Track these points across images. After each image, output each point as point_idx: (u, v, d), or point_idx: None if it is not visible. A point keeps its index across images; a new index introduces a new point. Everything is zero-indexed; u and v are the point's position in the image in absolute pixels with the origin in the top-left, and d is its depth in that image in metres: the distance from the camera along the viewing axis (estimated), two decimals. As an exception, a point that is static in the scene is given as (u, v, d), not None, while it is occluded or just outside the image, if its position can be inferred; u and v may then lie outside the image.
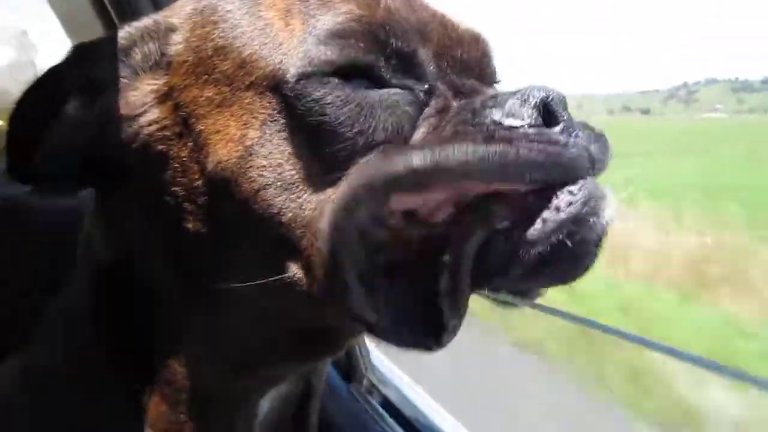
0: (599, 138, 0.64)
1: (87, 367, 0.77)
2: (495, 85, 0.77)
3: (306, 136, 0.62)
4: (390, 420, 1.30)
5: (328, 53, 0.62)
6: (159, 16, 0.72)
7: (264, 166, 0.62)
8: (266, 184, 0.62)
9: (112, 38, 0.71)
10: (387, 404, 1.39)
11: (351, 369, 1.47)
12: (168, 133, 0.68)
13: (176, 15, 0.71)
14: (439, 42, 0.69)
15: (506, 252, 0.58)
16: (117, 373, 0.76)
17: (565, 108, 0.61)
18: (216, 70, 0.66)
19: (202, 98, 0.66)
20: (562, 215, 0.58)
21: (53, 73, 0.72)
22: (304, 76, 0.62)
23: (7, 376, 0.83)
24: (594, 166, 0.61)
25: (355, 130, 0.61)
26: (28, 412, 0.78)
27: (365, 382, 1.45)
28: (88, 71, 0.70)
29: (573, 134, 0.60)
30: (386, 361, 1.58)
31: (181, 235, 0.67)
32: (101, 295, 0.78)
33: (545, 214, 0.58)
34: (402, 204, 0.59)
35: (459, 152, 0.55)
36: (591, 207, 0.59)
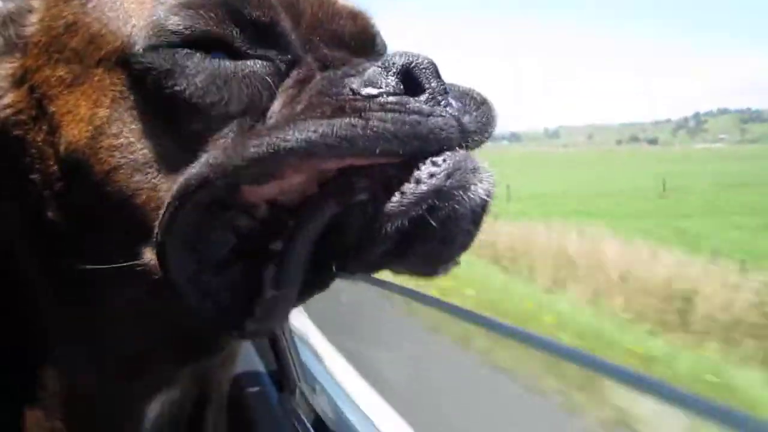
0: (480, 106, 0.59)
1: None
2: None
3: (158, 112, 0.59)
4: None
5: (176, 23, 0.58)
6: None
7: (114, 146, 0.59)
8: (117, 165, 0.58)
9: None
10: (316, 420, 1.30)
11: (283, 377, 1.39)
12: (24, 117, 0.64)
13: None
14: (313, 15, 0.65)
15: (362, 227, 0.53)
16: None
17: (436, 75, 0.57)
18: (67, 47, 0.63)
19: (54, 78, 0.63)
20: (423, 187, 0.52)
21: None
22: (152, 48, 0.58)
23: None
24: (467, 137, 0.56)
25: (209, 100, 0.57)
26: None
27: (297, 392, 1.37)
28: None
29: (441, 103, 0.55)
30: (324, 368, 1.51)
31: (43, 223, 0.64)
32: None
33: (405, 186, 0.52)
34: (259, 194, 0.55)
35: (300, 133, 0.51)
36: (457, 180, 0.53)
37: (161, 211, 0.57)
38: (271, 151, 0.51)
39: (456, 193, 0.53)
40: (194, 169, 0.55)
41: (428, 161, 0.53)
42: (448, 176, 0.53)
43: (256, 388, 1.36)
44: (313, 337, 1.65)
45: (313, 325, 1.75)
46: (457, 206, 0.53)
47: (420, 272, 0.64)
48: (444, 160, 0.53)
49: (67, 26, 0.63)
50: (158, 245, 0.57)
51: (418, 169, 0.53)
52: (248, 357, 1.48)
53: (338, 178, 0.54)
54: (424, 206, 0.52)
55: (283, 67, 0.61)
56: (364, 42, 0.70)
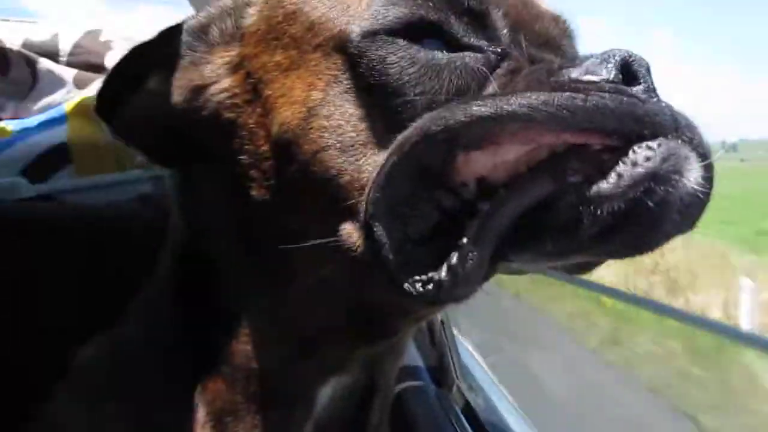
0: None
1: (161, 343, 0.80)
2: None
3: (368, 97, 0.62)
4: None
5: (394, 10, 0.61)
6: None
7: (325, 127, 0.62)
8: (326, 146, 0.62)
9: (194, 18, 0.75)
10: (473, 417, 1.33)
11: (441, 373, 1.43)
12: (237, 101, 0.70)
13: None
14: (518, 14, 0.67)
15: (576, 205, 0.54)
16: (185, 349, 0.78)
17: (649, 73, 0.58)
18: (285, 35, 0.67)
19: (271, 63, 0.68)
20: (640, 170, 0.53)
21: (139, 48, 0.76)
22: (368, 34, 0.62)
23: (95, 348, 0.88)
24: (678, 128, 0.56)
25: (418, 90, 0.60)
26: (109, 381, 0.82)
27: (455, 388, 1.40)
28: (169, 48, 0.74)
29: (655, 96, 0.56)
30: (481, 367, 1.52)
31: (247, 203, 0.69)
32: (177, 273, 0.81)
33: (620, 168, 0.53)
34: (471, 168, 0.57)
35: (523, 99, 0.53)
36: (672, 164, 0.54)
37: (365, 189, 0.60)
38: (494, 111, 0.53)
39: (672, 176, 0.53)
40: (413, 125, 0.58)
41: (644, 145, 0.54)
42: (664, 160, 0.53)
43: (415, 382, 1.40)
44: (467, 338, 1.68)
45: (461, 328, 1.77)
46: (671, 190, 0.53)
47: (609, 257, 0.64)
48: (659, 145, 0.54)
49: (286, 15, 0.68)
50: (369, 206, 0.59)
51: (634, 152, 0.53)
52: (408, 352, 1.52)
53: (550, 158, 0.56)
54: (641, 189, 0.53)
55: (493, 58, 0.62)
56: (565, 46, 0.71)
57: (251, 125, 0.68)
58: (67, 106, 1.36)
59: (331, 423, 0.82)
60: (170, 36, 0.75)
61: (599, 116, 0.53)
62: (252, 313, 0.75)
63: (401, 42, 0.61)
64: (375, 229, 0.59)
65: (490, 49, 0.62)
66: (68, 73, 1.43)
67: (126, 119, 0.76)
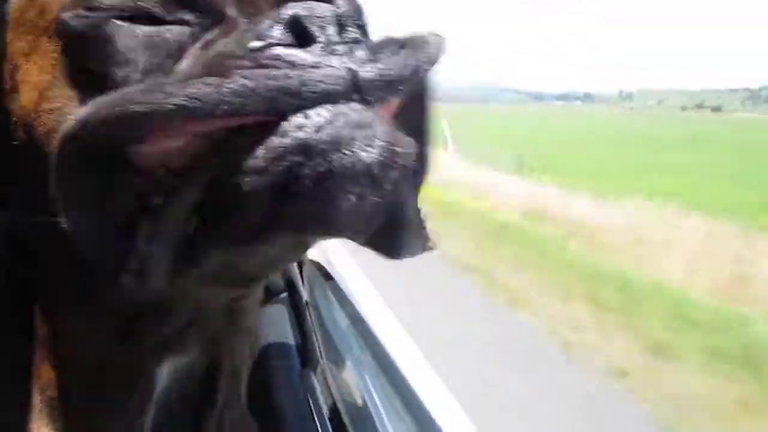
0: (399, 50, 0.53)
1: None
2: None
3: (85, 76, 0.60)
4: (324, 415, 1.17)
5: None
6: None
7: (51, 109, 0.61)
8: (53, 128, 0.60)
9: None
10: (332, 397, 1.27)
11: (306, 353, 1.37)
12: (6, 87, 0.68)
13: None
14: None
15: (233, 185, 0.49)
16: (14, 334, 0.75)
17: (337, 24, 0.52)
18: (27, 20, 0.66)
19: (18, 49, 0.66)
20: (286, 141, 0.48)
21: None
22: (78, 17, 0.59)
23: None
24: (360, 89, 0.50)
25: (125, 68, 0.57)
26: None
27: (319, 369, 1.34)
28: None
29: (335, 53, 0.51)
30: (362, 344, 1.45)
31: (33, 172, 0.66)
32: (6, 256, 0.76)
33: (270, 140, 0.48)
34: (147, 157, 0.53)
35: (162, 94, 0.49)
36: (331, 134, 0.48)
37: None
38: (121, 110, 0.50)
39: (328, 147, 0.48)
40: (84, 108, 0.55)
41: (299, 114, 0.48)
42: (319, 129, 0.47)
43: (281, 361, 1.35)
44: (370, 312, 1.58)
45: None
46: (331, 163, 0.48)
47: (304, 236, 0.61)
48: (318, 114, 0.48)
49: (29, 0, 0.66)
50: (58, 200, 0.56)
51: (288, 122, 0.48)
52: (281, 328, 1.47)
53: (223, 137, 0.50)
54: (287, 162, 0.47)
55: (197, 30, 0.58)
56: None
57: (14, 110, 0.67)
58: None
59: (174, 403, 0.80)
60: None
61: (236, 100, 0.48)
62: (65, 292, 0.72)
63: (110, 21, 0.58)
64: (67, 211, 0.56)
65: (197, 20, 0.58)
66: None
67: None
